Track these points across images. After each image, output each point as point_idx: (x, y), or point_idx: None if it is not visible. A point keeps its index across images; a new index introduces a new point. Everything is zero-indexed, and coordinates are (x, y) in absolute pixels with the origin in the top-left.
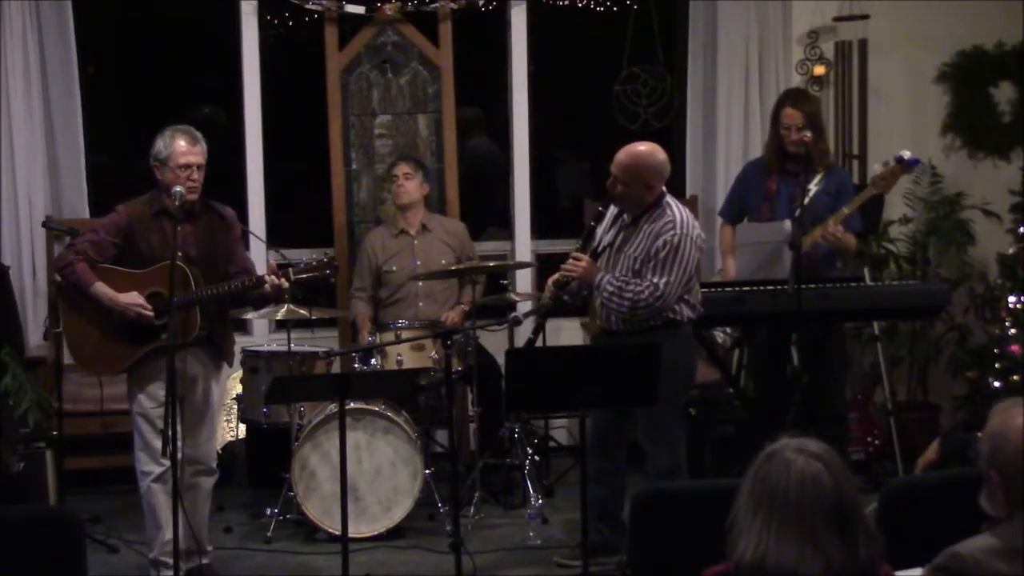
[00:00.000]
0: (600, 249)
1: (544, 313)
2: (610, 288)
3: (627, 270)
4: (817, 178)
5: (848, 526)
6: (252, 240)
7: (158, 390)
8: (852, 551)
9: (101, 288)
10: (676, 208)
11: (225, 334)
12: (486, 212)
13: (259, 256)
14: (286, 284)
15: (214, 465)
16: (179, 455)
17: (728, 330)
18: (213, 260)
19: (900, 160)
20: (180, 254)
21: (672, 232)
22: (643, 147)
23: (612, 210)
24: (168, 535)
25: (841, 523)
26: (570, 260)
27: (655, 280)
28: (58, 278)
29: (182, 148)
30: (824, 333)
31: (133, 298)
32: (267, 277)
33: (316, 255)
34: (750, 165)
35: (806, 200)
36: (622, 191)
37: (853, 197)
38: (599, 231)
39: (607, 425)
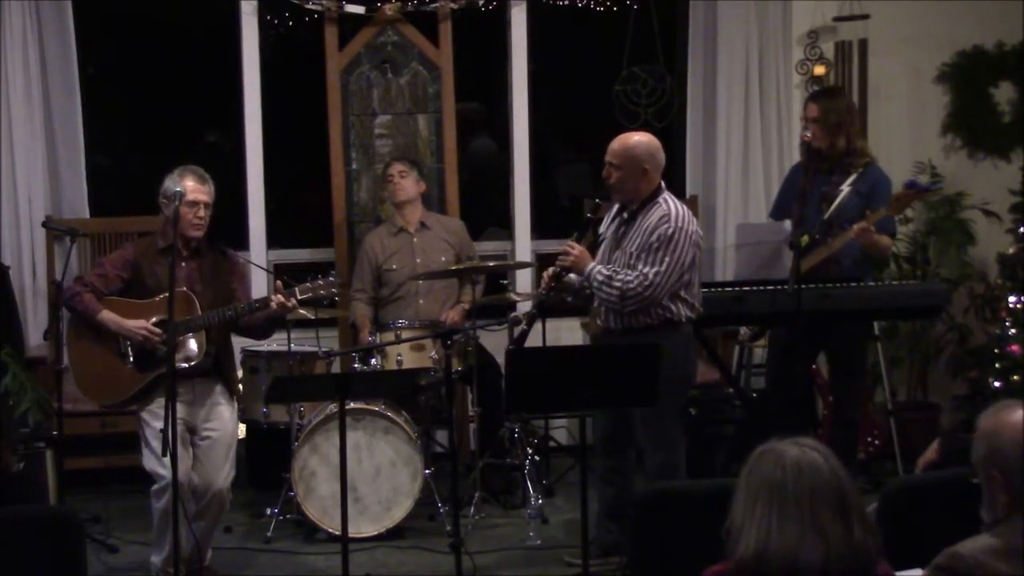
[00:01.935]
0: (599, 243)
1: (540, 306)
2: (599, 277)
3: (624, 264)
4: (851, 178)
5: (846, 509)
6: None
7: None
8: (849, 533)
9: (108, 315)
10: (672, 203)
11: (230, 366)
12: (491, 213)
13: (258, 273)
14: (293, 303)
15: (227, 496)
16: (179, 463)
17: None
18: (217, 297)
19: (911, 184)
20: (184, 289)
21: (667, 225)
22: (636, 134)
23: (615, 207)
24: (170, 549)
25: (840, 506)
26: (564, 249)
27: (645, 270)
28: (65, 308)
29: (191, 186)
30: (846, 338)
31: (140, 323)
32: (273, 297)
33: (322, 282)
34: (794, 166)
35: (837, 201)
36: (617, 178)
37: (886, 196)
38: (603, 227)
39: (614, 424)
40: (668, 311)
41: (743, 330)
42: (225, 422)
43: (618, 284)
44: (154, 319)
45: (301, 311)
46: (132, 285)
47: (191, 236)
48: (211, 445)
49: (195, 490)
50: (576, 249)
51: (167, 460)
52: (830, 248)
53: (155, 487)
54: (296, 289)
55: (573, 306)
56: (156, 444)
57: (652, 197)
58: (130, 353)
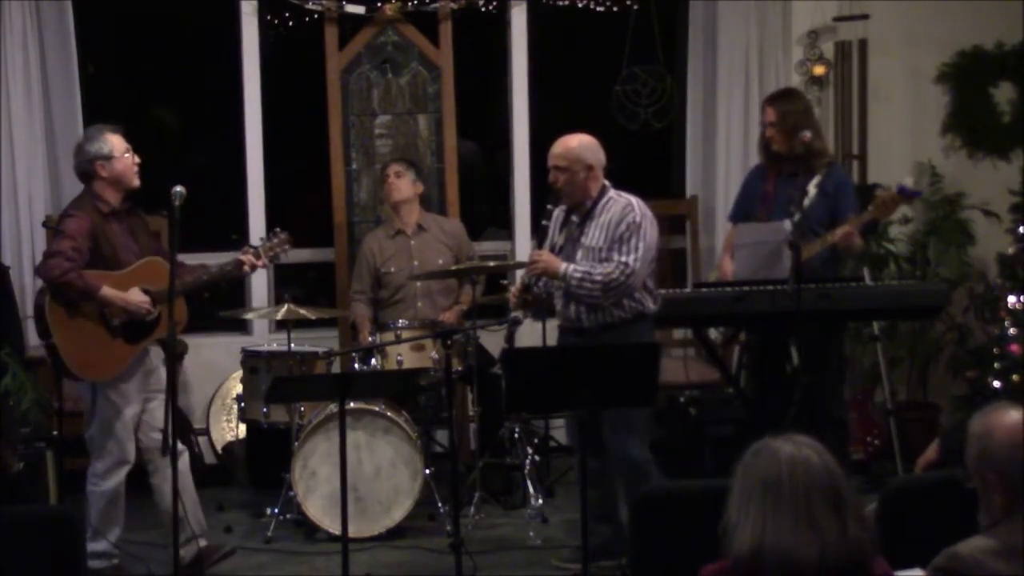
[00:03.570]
0: (555, 251)
1: (514, 321)
2: (577, 275)
3: (591, 262)
4: (815, 179)
5: (841, 505)
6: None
7: (133, 391)
8: (844, 530)
9: (109, 291)
10: (627, 195)
11: None
12: (478, 212)
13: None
14: (263, 263)
15: (179, 444)
16: (128, 445)
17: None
18: (145, 255)
19: (901, 190)
20: (128, 253)
21: (633, 213)
22: (576, 135)
23: (557, 214)
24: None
25: (835, 502)
26: (530, 259)
27: (623, 259)
28: (52, 285)
29: (117, 138)
30: (819, 335)
31: (138, 295)
32: (244, 258)
33: (276, 240)
34: (755, 167)
35: (805, 202)
36: (564, 180)
37: (851, 196)
38: (550, 236)
39: (595, 426)
40: (640, 303)
41: (714, 332)
42: (163, 380)
43: (599, 277)
44: (136, 288)
45: (302, 311)
46: (91, 254)
47: (134, 186)
48: (158, 405)
49: (148, 457)
50: (543, 254)
51: (128, 445)
52: (808, 252)
53: (100, 466)
54: (260, 250)
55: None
56: (119, 426)
57: (603, 194)
58: (119, 327)
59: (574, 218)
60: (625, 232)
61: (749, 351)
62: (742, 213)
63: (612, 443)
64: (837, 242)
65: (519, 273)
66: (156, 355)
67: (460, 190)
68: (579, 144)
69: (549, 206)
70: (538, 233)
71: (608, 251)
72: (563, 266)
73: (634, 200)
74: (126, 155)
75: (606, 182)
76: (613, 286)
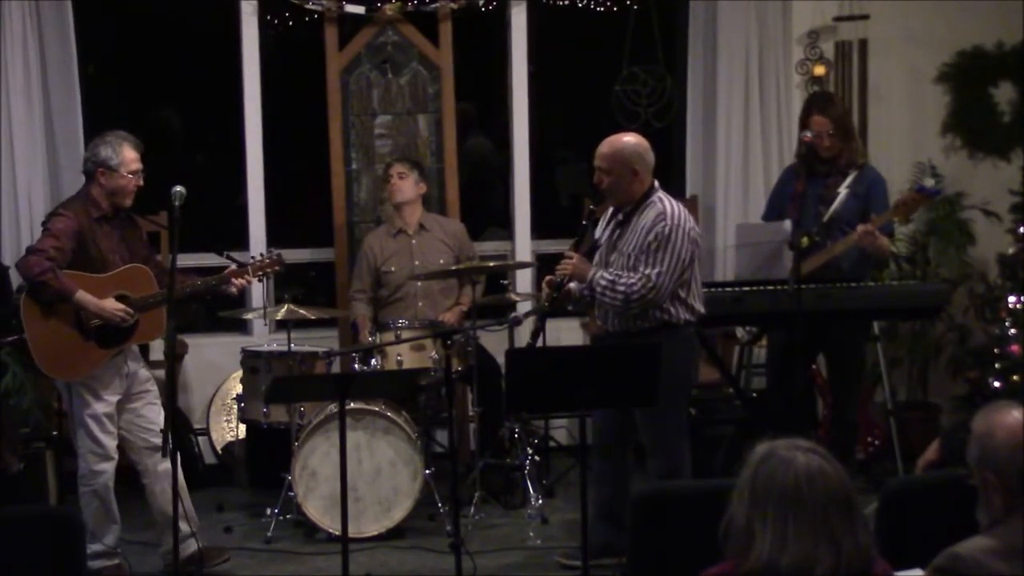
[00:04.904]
0: (595, 248)
1: (541, 315)
2: (603, 283)
3: (623, 267)
4: (848, 180)
5: (852, 511)
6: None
7: (111, 395)
8: (855, 538)
9: (84, 295)
10: (668, 201)
11: None
12: (485, 212)
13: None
14: (250, 280)
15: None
16: (110, 442)
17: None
18: (135, 261)
19: (921, 190)
20: (116, 257)
21: (663, 224)
22: (624, 136)
23: (610, 210)
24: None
25: (848, 511)
26: (563, 260)
27: (646, 271)
28: (29, 282)
29: (132, 155)
30: (842, 338)
31: (113, 304)
32: (234, 281)
33: (268, 260)
34: (788, 167)
35: (835, 203)
36: (609, 182)
37: (882, 196)
38: (598, 230)
39: (613, 426)
40: (666, 313)
41: (740, 331)
42: (149, 382)
43: (621, 288)
44: (114, 295)
45: (302, 311)
46: (76, 256)
47: (125, 206)
48: (144, 405)
49: (137, 459)
50: (575, 258)
51: (106, 440)
52: (831, 252)
53: (84, 466)
54: (249, 268)
55: (574, 307)
56: (93, 424)
57: (646, 197)
58: (93, 331)
59: (619, 217)
60: (653, 243)
61: (771, 350)
62: (775, 213)
63: (646, 450)
64: (857, 242)
65: (519, 274)
66: (135, 358)
67: (473, 186)
68: (625, 147)
69: (592, 206)
70: (578, 232)
71: (635, 260)
72: (591, 272)
73: (670, 208)
74: (130, 175)
75: (655, 183)
76: (635, 298)
